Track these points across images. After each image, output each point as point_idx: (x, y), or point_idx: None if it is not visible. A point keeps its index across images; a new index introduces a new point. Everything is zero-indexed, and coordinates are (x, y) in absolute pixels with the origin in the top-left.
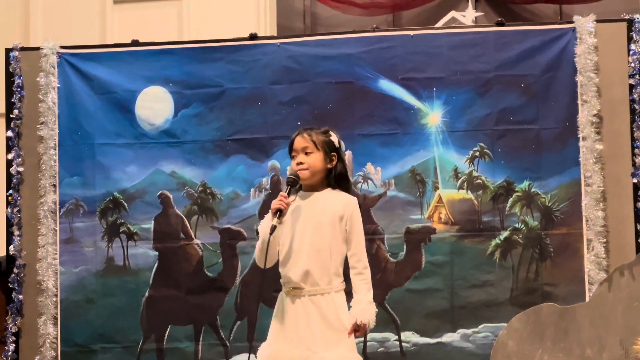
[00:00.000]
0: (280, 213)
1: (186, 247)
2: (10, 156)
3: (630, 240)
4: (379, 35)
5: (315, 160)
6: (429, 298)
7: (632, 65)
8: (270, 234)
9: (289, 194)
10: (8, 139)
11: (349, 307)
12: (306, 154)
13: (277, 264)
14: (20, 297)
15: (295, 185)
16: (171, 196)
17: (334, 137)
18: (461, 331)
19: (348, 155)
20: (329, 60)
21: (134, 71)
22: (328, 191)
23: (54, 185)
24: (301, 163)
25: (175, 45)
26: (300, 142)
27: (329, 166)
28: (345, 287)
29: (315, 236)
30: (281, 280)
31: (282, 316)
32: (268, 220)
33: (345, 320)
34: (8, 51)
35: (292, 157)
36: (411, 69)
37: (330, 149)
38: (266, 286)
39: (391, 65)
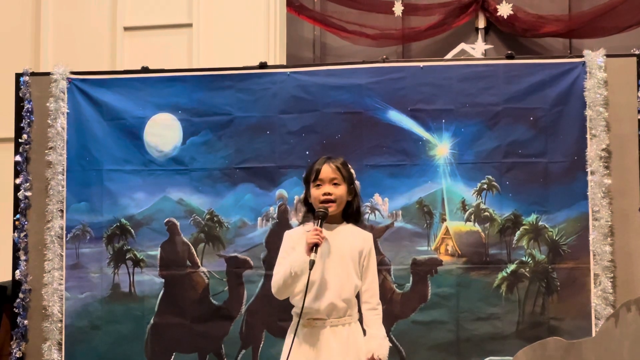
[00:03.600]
0: (316, 247)
1: (192, 275)
2: (18, 181)
3: (637, 275)
4: (389, 66)
5: (342, 193)
6: (434, 330)
7: None
8: (310, 269)
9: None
10: (16, 163)
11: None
12: (334, 184)
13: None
14: (25, 322)
15: (325, 219)
16: (178, 223)
17: (352, 170)
18: None
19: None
20: (338, 90)
21: (143, 98)
22: (347, 225)
23: (61, 211)
24: (329, 194)
25: (185, 72)
26: (329, 172)
27: (349, 199)
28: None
29: (340, 269)
30: (297, 311)
31: (299, 346)
32: (298, 253)
33: (362, 350)
34: (18, 76)
35: (317, 186)
36: (420, 100)
37: (351, 182)
38: (271, 315)
39: (400, 96)
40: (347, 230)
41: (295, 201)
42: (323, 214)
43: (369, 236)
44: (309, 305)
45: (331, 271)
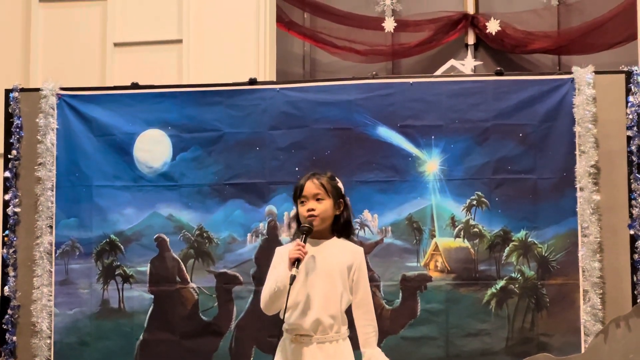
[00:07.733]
0: (298, 262)
1: (182, 291)
2: (7, 197)
3: (626, 292)
4: (378, 82)
5: (326, 207)
6: (424, 346)
7: (630, 116)
8: (290, 284)
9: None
10: (6, 179)
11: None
12: (317, 200)
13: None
14: (14, 338)
15: (309, 234)
16: (168, 239)
17: (340, 184)
18: None
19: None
20: (327, 106)
21: (133, 114)
22: (336, 240)
23: (51, 227)
24: (312, 209)
25: (175, 88)
26: (311, 188)
27: (337, 213)
28: (349, 334)
29: (327, 284)
30: (286, 327)
31: None
32: (282, 269)
33: None
34: (8, 92)
35: (301, 203)
36: (410, 116)
37: (338, 196)
38: (261, 331)
39: (390, 113)
40: (336, 244)
41: (285, 218)
42: (307, 229)
43: (359, 250)
44: (295, 321)
45: (317, 287)
